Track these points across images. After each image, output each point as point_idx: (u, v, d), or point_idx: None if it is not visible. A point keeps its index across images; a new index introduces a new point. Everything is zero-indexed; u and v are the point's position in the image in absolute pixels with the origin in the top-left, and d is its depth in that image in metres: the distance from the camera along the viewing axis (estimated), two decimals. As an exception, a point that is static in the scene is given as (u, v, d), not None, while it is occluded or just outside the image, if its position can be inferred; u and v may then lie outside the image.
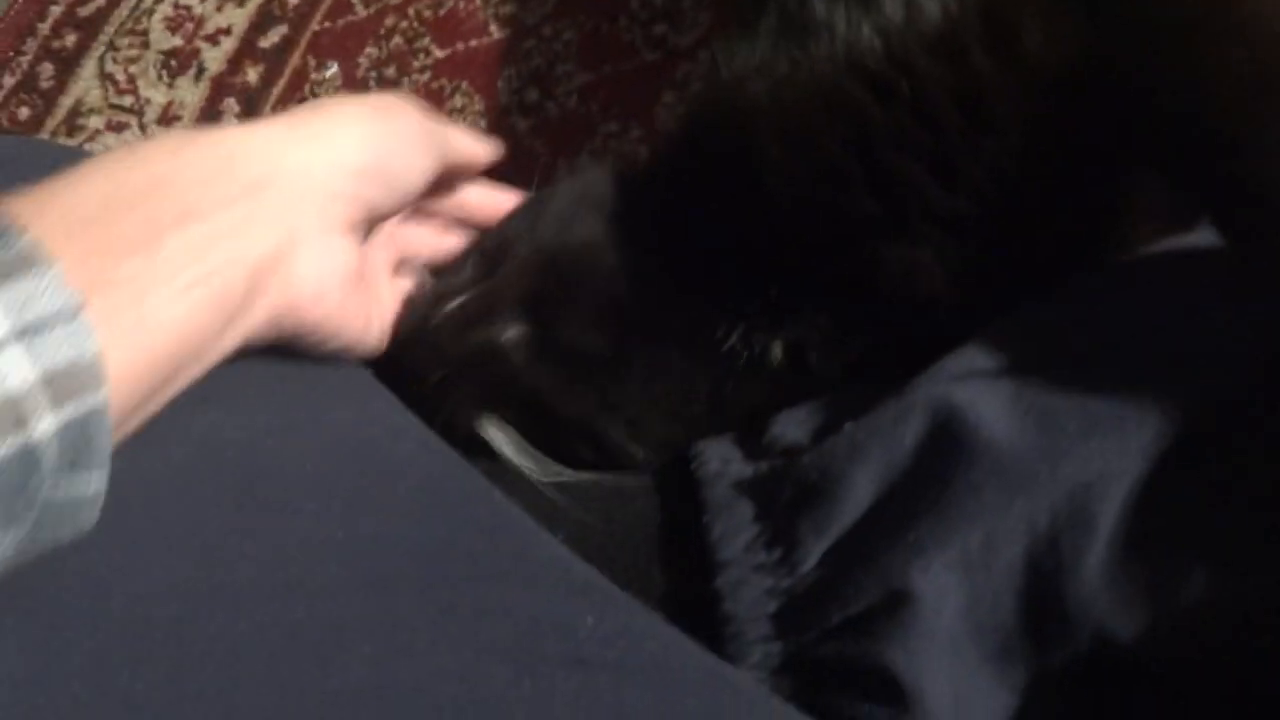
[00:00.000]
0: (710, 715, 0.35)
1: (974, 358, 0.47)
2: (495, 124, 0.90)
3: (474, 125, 0.93)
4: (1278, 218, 0.41)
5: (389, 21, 0.99)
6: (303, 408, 0.42)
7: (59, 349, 0.30)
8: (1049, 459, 0.43)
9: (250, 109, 0.99)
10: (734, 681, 0.37)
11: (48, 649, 0.31)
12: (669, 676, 0.37)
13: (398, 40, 0.97)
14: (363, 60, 0.98)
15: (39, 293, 0.30)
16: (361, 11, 1.00)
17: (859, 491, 0.46)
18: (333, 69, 0.97)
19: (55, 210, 0.34)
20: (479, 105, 0.93)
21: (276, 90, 0.98)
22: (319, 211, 0.42)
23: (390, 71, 0.97)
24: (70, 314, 0.31)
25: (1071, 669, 0.42)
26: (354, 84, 0.96)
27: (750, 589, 0.47)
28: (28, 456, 0.29)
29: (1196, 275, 0.47)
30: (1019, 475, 0.43)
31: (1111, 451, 0.43)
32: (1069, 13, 0.47)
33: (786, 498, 0.47)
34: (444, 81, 0.95)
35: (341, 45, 0.99)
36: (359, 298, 0.46)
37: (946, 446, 0.44)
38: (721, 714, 0.35)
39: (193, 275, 0.36)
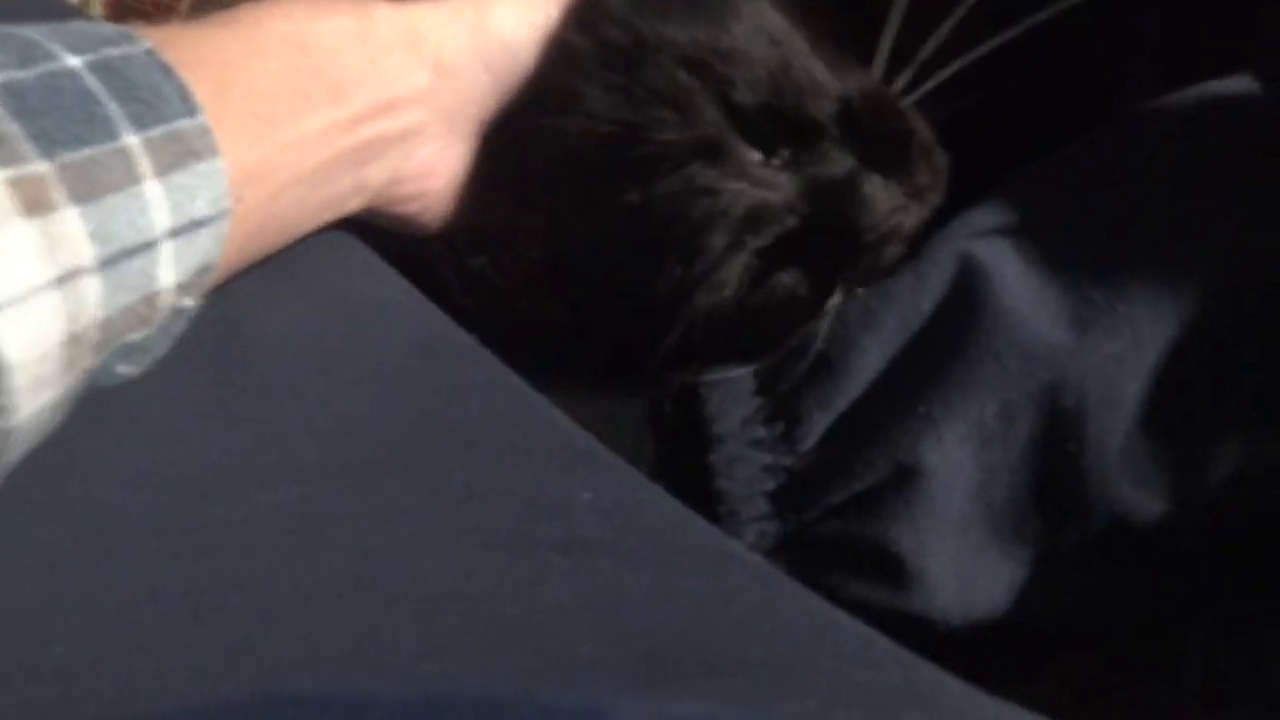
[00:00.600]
0: (715, 596, 0.33)
1: (994, 213, 0.44)
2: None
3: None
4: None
5: None
6: (284, 274, 0.39)
7: (198, 254, 0.31)
8: (1074, 327, 0.41)
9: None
10: (740, 558, 0.35)
11: (-7, 546, 0.28)
12: (670, 555, 0.34)
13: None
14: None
15: (201, 189, 0.31)
16: None
17: (870, 361, 0.43)
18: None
19: (233, 90, 0.34)
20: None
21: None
22: (462, 105, 0.42)
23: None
24: (220, 219, 0.32)
25: (1082, 547, 0.41)
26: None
27: (746, 466, 0.44)
28: (143, 345, 0.31)
29: (1219, 128, 0.44)
30: (1042, 343, 0.41)
31: (1141, 320, 0.40)
32: None
33: (791, 370, 0.45)
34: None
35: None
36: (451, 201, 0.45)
37: (965, 310, 0.42)
38: (727, 595, 0.33)
39: (323, 167, 0.37)
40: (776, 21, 0.44)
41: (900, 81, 0.44)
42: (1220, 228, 0.41)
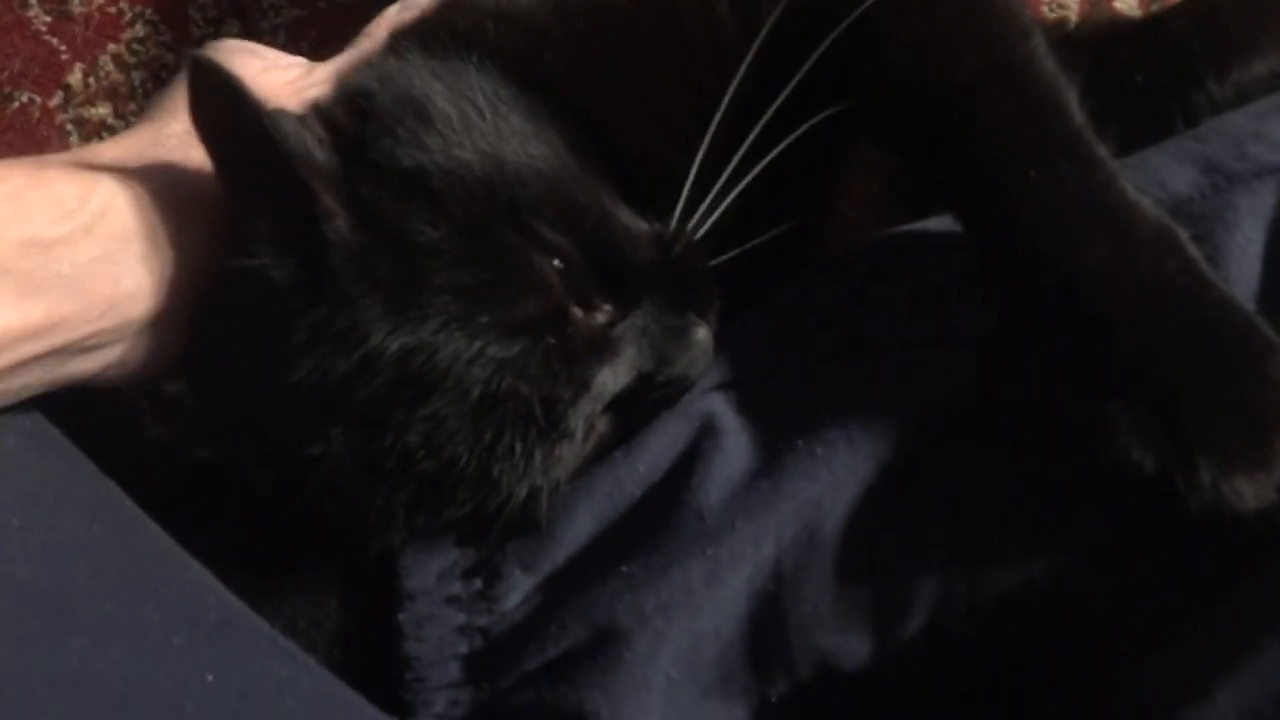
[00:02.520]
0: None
1: (715, 369, 0.43)
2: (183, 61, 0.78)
3: (157, 62, 0.80)
4: (1008, 200, 0.38)
5: (57, -71, 0.84)
6: None
7: None
8: (772, 475, 0.39)
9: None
10: None
11: None
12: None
13: (68, -47, 0.83)
14: (21, -26, 0.82)
15: None
16: (22, -86, 0.85)
17: (579, 525, 0.40)
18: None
19: None
20: (165, 36, 0.81)
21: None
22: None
23: (57, -10, 0.82)
24: None
25: (794, 697, 0.39)
26: (3, 5, 0.81)
27: (438, 626, 0.40)
28: None
29: (923, 264, 0.44)
30: (744, 496, 0.39)
31: (839, 462, 0.39)
32: None
33: (497, 520, 0.41)
34: (123, 6, 0.82)
35: (-5, -46, 0.83)
36: None
37: (679, 473, 0.40)
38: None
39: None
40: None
41: (695, 220, 0.43)
42: (910, 362, 0.40)
